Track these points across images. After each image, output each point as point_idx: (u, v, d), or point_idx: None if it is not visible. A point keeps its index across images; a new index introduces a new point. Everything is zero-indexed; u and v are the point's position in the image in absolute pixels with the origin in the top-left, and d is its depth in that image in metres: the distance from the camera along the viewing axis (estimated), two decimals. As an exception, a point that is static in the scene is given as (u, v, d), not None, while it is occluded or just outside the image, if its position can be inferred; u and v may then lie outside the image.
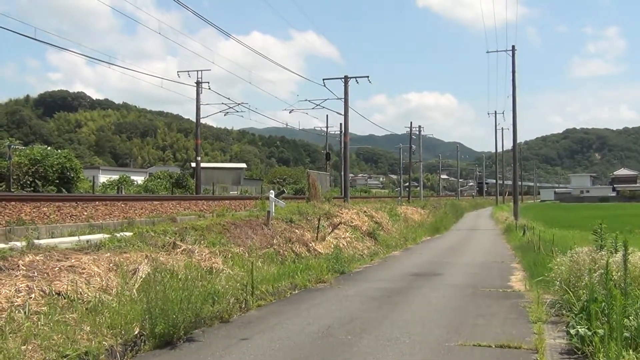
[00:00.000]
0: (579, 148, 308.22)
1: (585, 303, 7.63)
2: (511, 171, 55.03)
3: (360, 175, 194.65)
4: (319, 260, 14.94)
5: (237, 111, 46.09)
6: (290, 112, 45.55)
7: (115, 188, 37.22)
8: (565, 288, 9.10)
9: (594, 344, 6.48)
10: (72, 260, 8.80)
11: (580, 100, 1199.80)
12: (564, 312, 8.85)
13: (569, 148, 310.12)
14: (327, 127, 62.98)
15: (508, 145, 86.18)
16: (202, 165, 45.24)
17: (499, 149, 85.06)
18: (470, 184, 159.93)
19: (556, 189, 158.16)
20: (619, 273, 7.80)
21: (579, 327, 7.02)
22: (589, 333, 6.72)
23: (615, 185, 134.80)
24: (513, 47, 38.83)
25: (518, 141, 40.70)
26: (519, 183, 64.96)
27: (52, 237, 10.87)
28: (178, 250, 11.37)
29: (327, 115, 68.28)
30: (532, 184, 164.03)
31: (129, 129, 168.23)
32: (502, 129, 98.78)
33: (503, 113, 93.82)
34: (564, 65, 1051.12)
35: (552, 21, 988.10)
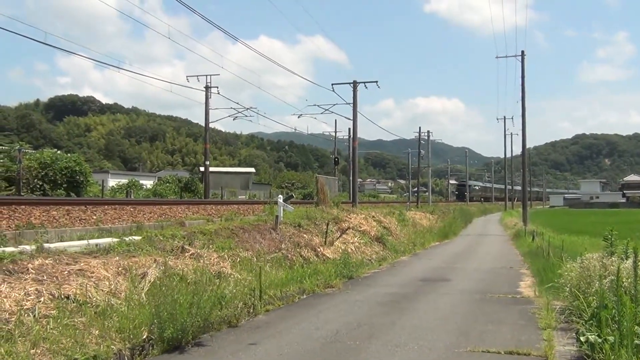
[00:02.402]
0: (588, 154, 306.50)
1: (595, 310, 7.58)
2: (520, 177, 54.84)
3: (368, 180, 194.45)
4: (327, 265, 14.93)
5: (246, 116, 46.18)
6: (298, 117, 45.66)
7: (124, 192, 37.27)
8: (575, 294, 9.05)
9: (604, 351, 6.43)
10: (81, 264, 8.82)
11: (589, 106, 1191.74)
12: (573, 318, 8.80)
13: (578, 153, 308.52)
14: (335, 131, 63.01)
15: (517, 150, 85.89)
16: (211, 169, 45.29)
17: (508, 155, 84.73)
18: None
19: (565, 195, 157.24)
20: (629, 280, 7.74)
21: (589, 334, 6.97)
22: (599, 340, 6.67)
23: (625, 191, 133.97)
24: (522, 52, 38.80)
25: (527, 146, 40.57)
26: (528, 189, 64.63)
27: (61, 241, 10.90)
28: (187, 254, 11.39)
29: (335, 120, 67.96)
30: (541, 189, 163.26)
31: (138, 133, 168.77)
32: (511, 134, 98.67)
33: (512, 118, 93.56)
34: (573, 70, 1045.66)
35: (561, 26, 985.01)
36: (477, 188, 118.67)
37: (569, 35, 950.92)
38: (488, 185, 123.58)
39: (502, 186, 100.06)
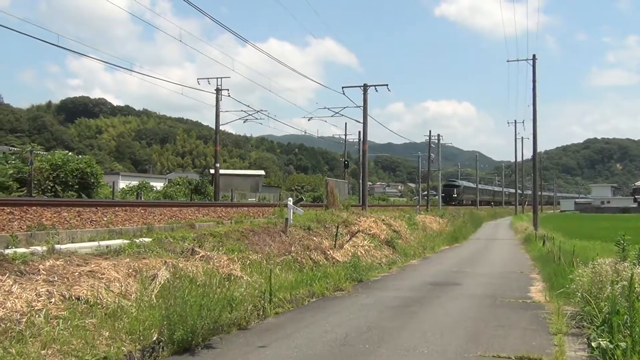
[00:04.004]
0: (599, 158, 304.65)
1: (607, 315, 7.53)
2: (531, 181, 54.56)
3: (378, 183, 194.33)
4: (336, 268, 14.92)
5: (256, 118, 46.28)
6: (309, 120, 45.59)
7: (135, 194, 37.43)
8: (587, 300, 8.99)
9: (616, 357, 6.38)
10: (92, 266, 8.87)
11: (600, 110, 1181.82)
12: (585, 324, 8.73)
13: (589, 158, 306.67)
14: (345, 134, 63.04)
15: (528, 154, 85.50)
16: (221, 172, 45.39)
17: (519, 159, 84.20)
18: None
19: (576, 200, 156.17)
20: (642, 285, 7.68)
21: (600, 339, 6.92)
22: (611, 346, 6.62)
23: (636, 196, 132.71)
24: (534, 56, 38.50)
25: (538, 150, 40.33)
26: (539, 193, 64.11)
27: (72, 242, 10.95)
28: (197, 256, 11.41)
29: (345, 123, 67.90)
30: (552, 194, 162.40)
31: (149, 135, 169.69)
32: (522, 138, 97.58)
33: (523, 122, 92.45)
34: (584, 74, 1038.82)
35: (572, 30, 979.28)
36: (476, 189, 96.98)
37: (579, 39, 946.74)
38: (488, 187, 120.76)
39: (512, 190, 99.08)
